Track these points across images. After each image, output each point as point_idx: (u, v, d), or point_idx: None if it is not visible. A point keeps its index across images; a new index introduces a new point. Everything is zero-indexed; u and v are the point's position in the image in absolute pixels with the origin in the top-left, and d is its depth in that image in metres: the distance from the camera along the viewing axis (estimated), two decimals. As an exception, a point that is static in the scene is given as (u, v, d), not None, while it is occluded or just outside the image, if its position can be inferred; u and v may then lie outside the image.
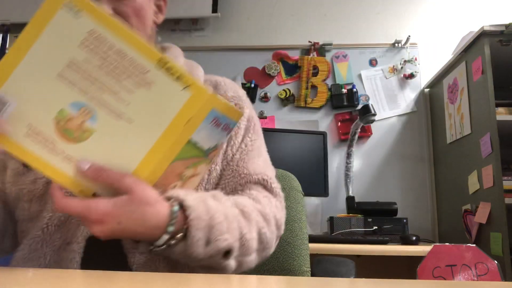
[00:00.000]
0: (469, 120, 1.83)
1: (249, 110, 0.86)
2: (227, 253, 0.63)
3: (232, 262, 0.65)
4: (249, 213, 0.70)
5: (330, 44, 2.45)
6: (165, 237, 0.57)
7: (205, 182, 0.78)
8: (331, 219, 1.89)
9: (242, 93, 0.88)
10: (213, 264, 0.63)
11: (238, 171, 0.79)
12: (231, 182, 0.78)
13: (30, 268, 0.72)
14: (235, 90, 0.86)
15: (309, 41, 2.47)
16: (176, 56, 0.88)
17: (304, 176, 1.92)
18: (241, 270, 0.70)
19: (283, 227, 0.78)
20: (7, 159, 0.77)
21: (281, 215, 0.77)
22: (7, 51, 2.63)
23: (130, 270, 0.69)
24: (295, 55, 2.47)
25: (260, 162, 0.82)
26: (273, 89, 2.45)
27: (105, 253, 0.70)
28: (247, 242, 0.67)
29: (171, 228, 0.57)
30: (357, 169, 2.29)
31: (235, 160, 0.80)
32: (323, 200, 2.22)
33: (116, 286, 0.45)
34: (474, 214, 1.75)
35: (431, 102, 2.35)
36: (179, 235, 0.58)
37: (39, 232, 0.71)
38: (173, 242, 0.58)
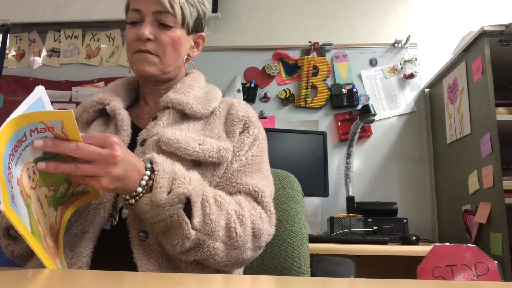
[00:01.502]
0: (469, 120, 1.83)
1: (257, 129, 0.92)
2: (188, 208, 0.68)
3: (193, 230, 0.68)
4: (222, 203, 0.74)
5: (330, 44, 2.45)
6: (139, 189, 0.67)
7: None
8: (331, 219, 1.89)
9: (253, 115, 0.94)
10: (176, 223, 0.67)
11: (231, 180, 0.83)
12: (223, 189, 0.81)
13: (30, 267, 0.76)
14: (246, 111, 0.93)
15: (309, 41, 2.47)
16: (197, 79, 0.96)
17: (304, 176, 1.92)
18: (205, 257, 0.71)
19: (263, 239, 0.79)
20: None
21: (264, 227, 0.79)
22: (7, 51, 2.64)
23: (135, 264, 0.73)
24: (295, 55, 2.47)
25: (256, 178, 0.85)
26: (273, 89, 2.45)
27: (114, 247, 0.76)
28: (211, 221, 0.70)
29: (143, 182, 0.67)
30: (357, 169, 2.29)
31: (231, 169, 0.84)
32: (323, 200, 2.22)
33: (117, 286, 0.45)
34: (474, 214, 1.75)
35: (431, 102, 2.35)
36: (147, 185, 0.67)
37: None
38: (141, 191, 0.67)
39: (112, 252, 0.76)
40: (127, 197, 0.68)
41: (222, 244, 0.72)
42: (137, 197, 0.67)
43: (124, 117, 0.87)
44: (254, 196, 0.81)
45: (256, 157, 0.88)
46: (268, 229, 0.80)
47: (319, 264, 1.06)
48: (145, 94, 0.96)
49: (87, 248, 0.74)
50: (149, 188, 0.67)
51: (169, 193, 0.67)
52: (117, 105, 0.89)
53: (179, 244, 0.68)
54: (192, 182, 0.69)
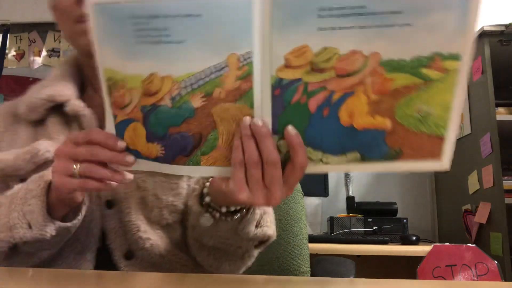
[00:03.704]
0: (469, 120, 1.83)
1: None
2: (261, 244, 0.68)
3: (253, 257, 0.70)
4: None
5: (330, 44, 2.44)
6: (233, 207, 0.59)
7: None
8: (331, 219, 1.88)
9: None
10: (238, 253, 0.67)
11: None
12: None
13: (30, 267, 0.74)
14: None
15: (309, 41, 2.46)
16: None
17: (304, 176, 1.92)
18: (229, 271, 0.73)
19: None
20: None
21: None
22: (7, 51, 2.63)
23: None
24: (295, 55, 2.47)
25: None
26: (273, 89, 2.44)
27: (113, 263, 0.71)
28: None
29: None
30: (357, 169, 2.28)
31: None
32: (323, 200, 2.22)
33: (118, 286, 0.45)
34: (474, 214, 1.75)
35: (431, 102, 2.35)
36: (244, 210, 0.61)
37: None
38: (238, 214, 0.60)
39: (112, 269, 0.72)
40: (213, 205, 0.60)
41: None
42: (225, 215, 0.60)
43: (90, 117, 0.72)
44: None
45: None
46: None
47: (319, 264, 1.06)
48: (92, 77, 0.77)
49: (88, 270, 0.69)
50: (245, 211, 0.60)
51: (256, 226, 0.62)
52: (78, 104, 0.72)
53: (227, 265, 0.69)
54: (273, 222, 0.69)
